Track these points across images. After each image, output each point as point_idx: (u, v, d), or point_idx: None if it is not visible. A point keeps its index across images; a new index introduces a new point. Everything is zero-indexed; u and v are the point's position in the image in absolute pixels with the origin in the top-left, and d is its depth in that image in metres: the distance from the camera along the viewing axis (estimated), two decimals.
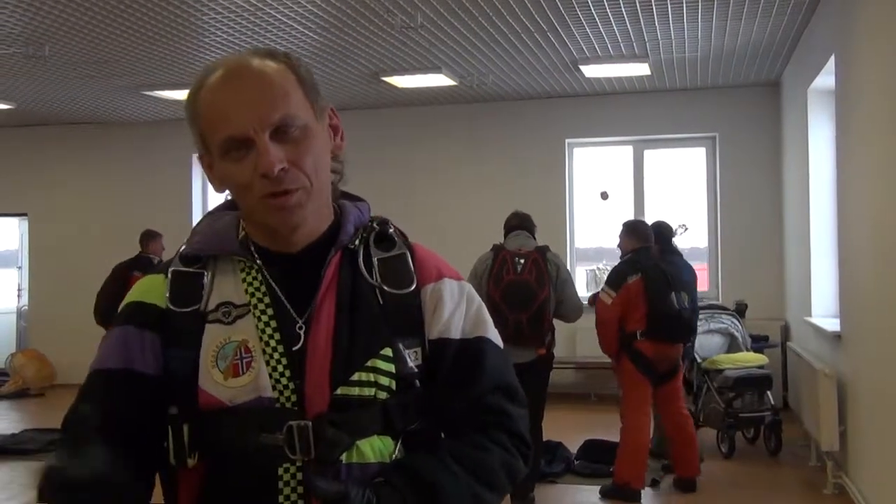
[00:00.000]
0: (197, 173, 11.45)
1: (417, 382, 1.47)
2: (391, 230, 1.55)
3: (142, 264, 8.02)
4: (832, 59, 6.19)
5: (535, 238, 5.99)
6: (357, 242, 1.51)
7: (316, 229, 1.48)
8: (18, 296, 12.72)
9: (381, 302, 1.48)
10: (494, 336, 1.56)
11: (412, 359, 1.47)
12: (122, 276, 8.04)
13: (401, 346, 1.46)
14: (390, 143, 10.66)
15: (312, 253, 1.47)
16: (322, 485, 1.34)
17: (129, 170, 11.54)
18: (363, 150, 10.67)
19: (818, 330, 6.88)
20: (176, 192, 11.27)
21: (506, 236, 6.00)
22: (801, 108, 7.67)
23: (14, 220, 12.62)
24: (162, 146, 11.26)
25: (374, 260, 1.50)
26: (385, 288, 1.48)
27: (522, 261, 5.73)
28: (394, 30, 7.06)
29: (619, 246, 6.33)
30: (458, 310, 1.52)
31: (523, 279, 5.69)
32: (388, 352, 1.44)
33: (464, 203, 10.35)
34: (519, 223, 6.02)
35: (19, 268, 12.72)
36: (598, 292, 6.20)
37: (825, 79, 6.67)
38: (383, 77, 8.84)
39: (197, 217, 11.12)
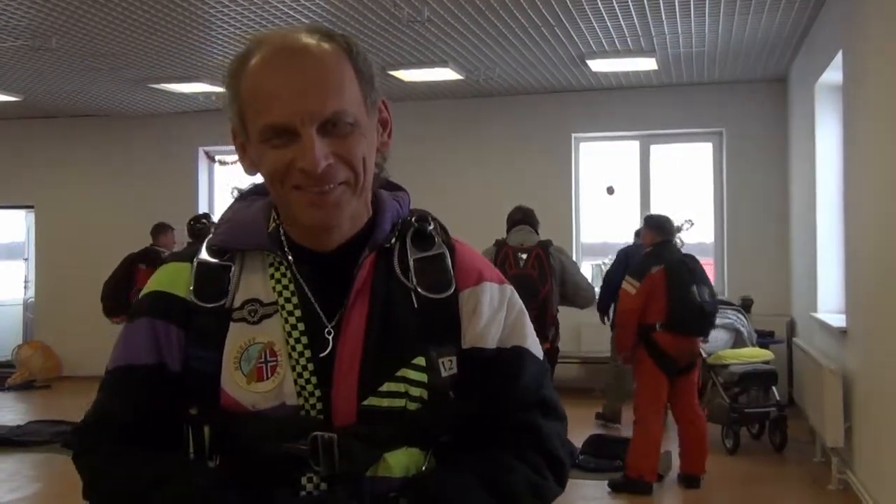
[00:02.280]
0: (203, 166, 11.47)
1: (451, 393, 1.38)
2: (431, 227, 1.46)
3: (150, 257, 8.07)
4: (840, 55, 6.17)
5: (537, 233, 5.99)
6: (393, 241, 1.42)
7: (353, 227, 1.40)
8: (25, 288, 12.75)
9: (416, 306, 1.39)
10: (534, 346, 1.46)
11: (446, 368, 1.37)
12: (128, 268, 8.11)
13: (434, 354, 1.37)
14: (396, 137, 10.50)
15: (347, 252, 1.39)
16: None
17: (136, 162, 11.55)
18: None
19: (824, 326, 6.87)
20: (182, 184, 11.28)
21: (508, 231, 6.01)
22: (808, 103, 7.65)
23: (21, 213, 12.64)
24: (168, 139, 11.28)
25: (411, 260, 1.41)
26: (420, 291, 1.39)
27: (525, 256, 5.74)
28: (400, 23, 7.06)
29: (641, 239, 6.34)
30: (497, 317, 1.43)
31: (526, 273, 5.69)
32: (420, 361, 1.36)
33: (470, 197, 10.33)
34: (522, 218, 6.03)
35: (26, 260, 12.75)
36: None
37: (832, 74, 6.65)
38: (390, 71, 8.83)
39: (203, 209, 11.14)
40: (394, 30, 7.30)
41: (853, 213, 5.95)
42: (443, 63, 8.51)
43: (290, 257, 1.39)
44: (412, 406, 1.35)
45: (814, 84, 7.31)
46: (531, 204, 6.26)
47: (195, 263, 1.41)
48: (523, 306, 1.50)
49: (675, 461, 6.47)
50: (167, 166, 11.33)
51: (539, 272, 5.70)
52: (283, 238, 1.41)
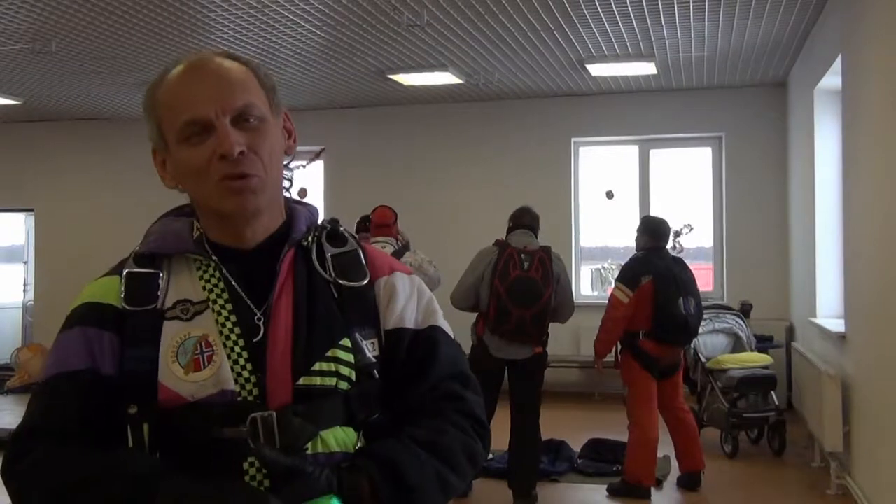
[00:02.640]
0: None
1: (376, 373, 1.48)
2: (342, 229, 1.59)
3: None
4: (839, 59, 6.18)
5: (537, 238, 5.98)
6: (310, 240, 1.54)
7: (269, 225, 1.50)
8: (24, 291, 12.75)
9: (337, 295, 1.50)
10: (446, 326, 1.59)
11: (370, 350, 1.48)
12: None
13: (358, 336, 1.48)
14: (396, 141, 10.66)
15: (267, 249, 1.49)
16: (272, 454, 1.33)
17: (135, 166, 11.45)
18: (368, 148, 10.69)
19: (823, 330, 6.87)
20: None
21: (511, 231, 5.96)
22: (807, 108, 7.66)
23: (20, 216, 12.64)
24: None
25: (328, 256, 1.53)
26: (340, 281, 1.51)
27: (528, 258, 5.72)
28: (400, 28, 7.07)
29: (634, 242, 6.35)
30: (411, 301, 1.56)
31: (530, 276, 5.68)
32: (346, 342, 1.46)
33: (469, 202, 10.34)
34: (529, 222, 5.99)
35: (25, 263, 12.75)
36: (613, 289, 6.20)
37: (832, 79, 6.65)
38: (389, 75, 8.84)
39: None
40: (393, 34, 7.31)
41: (852, 219, 5.96)
42: (442, 67, 8.52)
43: (214, 257, 1.49)
44: (343, 385, 1.44)
45: (813, 89, 7.32)
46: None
47: (124, 274, 1.49)
48: (432, 294, 1.62)
49: (674, 464, 6.48)
50: None
51: (542, 276, 5.69)
52: (205, 243, 1.50)
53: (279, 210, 1.53)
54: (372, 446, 1.44)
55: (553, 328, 5.92)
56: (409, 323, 1.54)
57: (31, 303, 12.38)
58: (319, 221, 1.60)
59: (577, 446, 7.09)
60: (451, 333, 1.59)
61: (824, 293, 7.26)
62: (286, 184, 1.57)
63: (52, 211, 11.88)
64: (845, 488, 5.99)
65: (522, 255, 5.72)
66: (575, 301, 6.06)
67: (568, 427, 7.60)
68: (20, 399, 10.41)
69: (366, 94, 9.85)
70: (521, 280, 5.66)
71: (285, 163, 1.55)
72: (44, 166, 11.83)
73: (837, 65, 6.25)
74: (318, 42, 7.53)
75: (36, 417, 1.43)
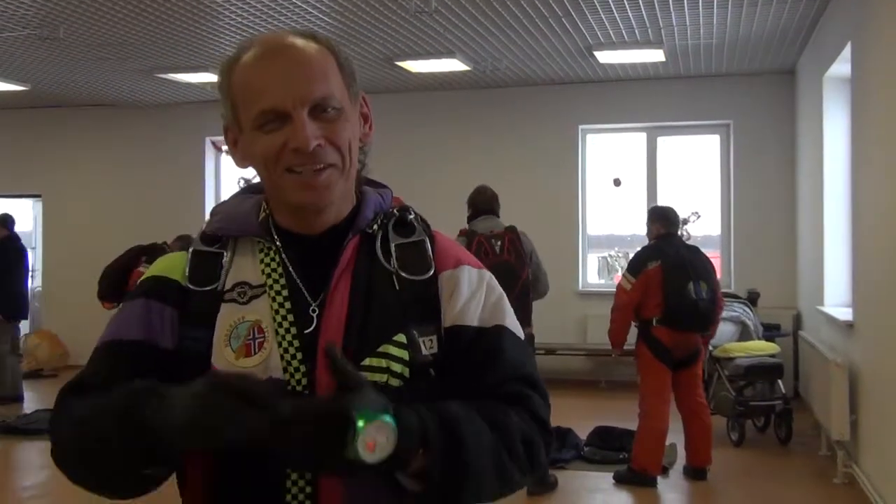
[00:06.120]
0: (210, 155, 11.48)
1: (432, 371, 1.44)
2: (411, 217, 1.54)
3: (156, 253, 8.05)
4: (848, 47, 6.15)
5: (499, 217, 5.96)
6: (376, 227, 1.50)
7: (339, 212, 1.48)
8: (32, 277, 12.77)
9: (398, 288, 1.46)
10: (514, 326, 1.52)
11: (427, 346, 1.43)
12: (132, 259, 8.08)
13: (415, 332, 1.43)
14: (403, 128, 10.65)
15: (332, 236, 1.47)
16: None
17: (143, 151, 11.57)
18: (375, 134, 10.69)
19: (830, 319, 6.86)
20: (189, 173, 11.30)
21: (473, 217, 5.95)
22: (816, 96, 7.63)
23: (28, 202, 12.67)
24: (175, 128, 11.30)
25: (392, 246, 1.49)
26: (402, 274, 1.47)
27: (499, 242, 5.71)
28: (408, 14, 7.05)
29: (646, 232, 6.34)
30: (476, 297, 1.50)
31: (504, 260, 5.65)
32: (401, 338, 1.42)
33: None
34: (488, 207, 5.97)
35: (33, 249, 12.76)
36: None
37: (841, 67, 6.63)
38: (397, 61, 8.83)
39: (210, 198, 11.20)
40: (401, 20, 7.30)
41: (860, 207, 5.94)
42: (450, 54, 8.51)
43: (277, 242, 1.47)
44: (394, 382, 1.40)
45: (822, 76, 7.29)
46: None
47: (190, 252, 1.51)
48: (503, 292, 1.56)
49: (681, 452, 6.49)
50: (174, 156, 11.35)
51: (516, 257, 5.69)
52: (271, 225, 1.49)
53: (350, 196, 1.50)
54: (431, 403, 1.34)
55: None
56: (472, 321, 1.47)
57: (39, 289, 12.42)
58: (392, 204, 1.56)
59: (583, 434, 7.11)
60: (520, 335, 1.52)
61: (832, 281, 7.25)
62: (358, 166, 1.52)
63: (60, 197, 11.91)
64: (852, 477, 6.00)
65: (492, 240, 5.70)
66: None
67: (574, 414, 7.61)
68: (28, 385, 10.44)
69: (373, 80, 9.83)
70: (497, 266, 5.61)
71: (361, 147, 1.51)
72: (51, 152, 11.85)
73: (847, 52, 6.23)
74: (325, 28, 7.51)
75: (81, 376, 1.45)
